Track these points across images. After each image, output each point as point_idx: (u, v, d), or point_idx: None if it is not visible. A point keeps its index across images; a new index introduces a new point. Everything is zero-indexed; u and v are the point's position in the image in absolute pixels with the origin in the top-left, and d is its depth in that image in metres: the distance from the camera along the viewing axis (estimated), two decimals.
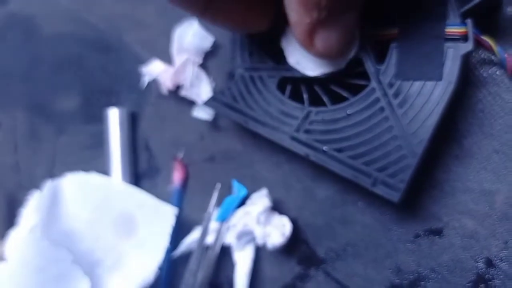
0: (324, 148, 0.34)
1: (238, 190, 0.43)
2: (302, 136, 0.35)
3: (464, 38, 0.31)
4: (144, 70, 0.46)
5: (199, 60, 0.44)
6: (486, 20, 0.33)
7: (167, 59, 0.46)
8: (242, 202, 0.42)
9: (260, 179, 0.42)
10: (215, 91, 0.44)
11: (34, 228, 0.43)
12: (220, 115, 0.41)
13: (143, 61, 0.48)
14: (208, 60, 0.45)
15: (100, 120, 0.50)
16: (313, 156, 0.35)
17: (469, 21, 0.31)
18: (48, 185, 0.46)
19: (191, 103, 0.45)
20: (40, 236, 0.43)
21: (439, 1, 0.31)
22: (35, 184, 0.50)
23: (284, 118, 0.36)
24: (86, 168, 0.49)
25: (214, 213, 0.43)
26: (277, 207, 0.40)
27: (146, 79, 0.47)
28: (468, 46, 0.31)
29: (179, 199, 0.46)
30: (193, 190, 0.46)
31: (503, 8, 0.34)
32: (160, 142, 0.48)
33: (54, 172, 0.53)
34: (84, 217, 0.46)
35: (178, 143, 0.46)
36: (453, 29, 0.31)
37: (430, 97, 0.32)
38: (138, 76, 0.48)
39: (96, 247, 0.46)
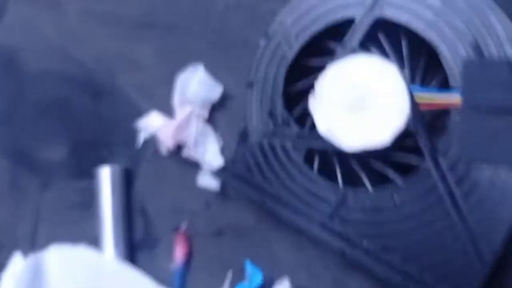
0: (364, 243, 0.27)
1: (252, 274, 0.36)
2: (336, 225, 0.28)
3: None
4: (140, 124, 0.39)
5: (205, 113, 0.37)
6: None
7: (167, 109, 0.39)
8: None
9: (278, 262, 0.35)
10: (225, 155, 0.36)
11: None
12: (232, 189, 0.33)
13: (138, 108, 0.41)
14: (215, 113, 0.38)
15: (89, 175, 0.43)
16: (349, 252, 0.27)
17: None
18: (31, 258, 0.40)
19: (195, 165, 0.38)
20: None
21: None
22: (16, 244, 0.44)
23: (312, 199, 0.29)
24: (73, 231, 0.43)
25: None
26: None
27: (142, 136, 0.39)
28: None
29: (182, 281, 0.38)
30: (196, 269, 0.39)
31: None
32: (158, 206, 0.41)
33: (37, 232, 0.46)
34: None
35: (180, 210, 0.40)
36: None
37: (505, 187, 0.24)
38: (132, 125, 0.41)
39: None
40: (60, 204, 0.45)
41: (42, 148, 0.47)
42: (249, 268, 0.36)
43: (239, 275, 0.36)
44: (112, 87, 0.44)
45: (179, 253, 0.38)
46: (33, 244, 0.45)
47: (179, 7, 0.39)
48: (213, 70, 0.37)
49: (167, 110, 0.39)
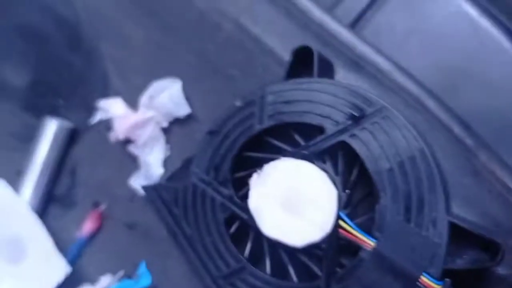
0: None
1: (142, 276, 0.39)
2: None
3: None
4: (102, 104, 0.40)
5: (165, 124, 0.39)
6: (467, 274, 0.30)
7: (132, 102, 0.40)
8: None
9: (170, 278, 0.38)
10: (165, 167, 0.38)
11: None
12: (154, 209, 0.36)
13: (108, 83, 0.42)
14: (174, 126, 0.40)
15: (39, 114, 0.44)
16: None
17: (447, 283, 0.27)
18: None
19: (134, 162, 0.40)
20: None
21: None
22: None
23: (216, 257, 0.32)
24: (3, 156, 0.44)
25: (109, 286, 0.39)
26: None
27: (99, 115, 0.41)
28: None
29: (79, 250, 0.41)
30: (99, 246, 0.41)
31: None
32: (88, 177, 0.42)
33: None
34: None
35: (106, 191, 0.41)
36: (428, 281, 0.28)
37: None
38: (95, 95, 0.42)
39: None
40: (1, 126, 0.45)
41: (5, 67, 0.47)
42: (143, 269, 0.38)
43: (131, 272, 0.39)
44: (94, 48, 0.44)
45: (87, 227, 0.40)
46: None
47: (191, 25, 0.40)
48: (190, 90, 0.38)
49: (132, 103, 0.40)
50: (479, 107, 0.37)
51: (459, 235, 0.28)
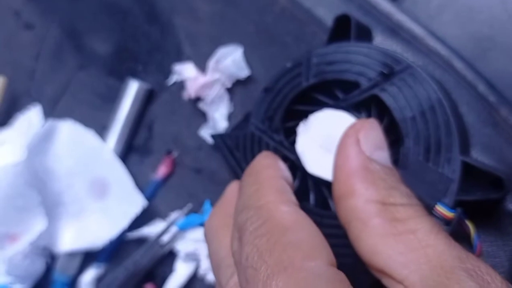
0: None
1: (206, 212, 0.46)
2: None
3: (446, 222, 0.33)
4: (176, 67, 0.47)
5: (229, 84, 0.46)
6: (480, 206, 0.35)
7: (201, 66, 0.47)
8: None
9: None
10: (230, 121, 0.45)
11: (18, 164, 0.45)
12: (220, 153, 0.43)
13: (181, 50, 0.49)
14: (237, 87, 0.46)
15: (121, 78, 0.52)
16: None
17: (458, 210, 0.33)
18: (48, 123, 0.49)
19: (203, 117, 0.47)
20: (20, 171, 0.45)
21: (443, 179, 0.33)
22: (41, 99, 0.55)
23: None
24: (90, 113, 0.53)
25: (179, 219, 0.46)
26: None
27: (174, 78, 0.48)
28: (447, 229, 0.33)
29: (154, 191, 0.48)
30: (170, 188, 0.49)
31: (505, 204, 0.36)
32: (163, 130, 0.50)
33: (61, 99, 0.55)
34: (68, 164, 0.49)
35: (178, 141, 0.49)
36: (442, 210, 0.33)
37: None
38: (171, 60, 0.49)
39: (67, 192, 0.50)
40: (88, 87, 0.54)
41: (92, 38, 0.55)
42: (207, 206, 0.46)
43: (198, 209, 0.46)
44: (167, 20, 0.51)
45: (161, 170, 0.48)
46: (54, 107, 0.54)
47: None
48: (250, 55, 0.45)
49: (201, 67, 0.47)
50: (505, 72, 0.41)
51: (472, 174, 0.33)
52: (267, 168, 0.27)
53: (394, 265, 0.21)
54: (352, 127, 0.29)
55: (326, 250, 0.22)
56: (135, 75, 0.51)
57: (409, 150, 0.34)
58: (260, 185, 0.25)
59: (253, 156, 0.40)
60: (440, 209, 0.33)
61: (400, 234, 0.22)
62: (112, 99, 0.51)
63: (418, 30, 0.41)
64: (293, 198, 0.26)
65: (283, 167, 0.31)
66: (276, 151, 0.39)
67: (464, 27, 0.43)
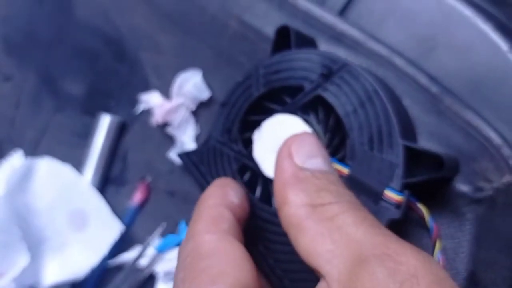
0: None
1: (182, 232, 0.47)
2: None
3: (397, 206, 0.34)
4: (142, 98, 0.50)
5: (193, 107, 0.48)
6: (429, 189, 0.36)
7: (166, 93, 0.50)
8: None
9: None
10: (198, 140, 0.47)
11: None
12: (187, 170, 0.45)
13: (147, 82, 0.52)
14: (201, 109, 0.49)
15: (94, 115, 0.54)
16: None
17: (406, 193, 0.34)
18: (27, 161, 0.51)
19: (171, 140, 0.49)
20: (1, 207, 0.47)
21: (389, 165, 0.35)
22: (23, 144, 0.57)
23: None
24: (67, 151, 0.55)
25: (155, 242, 0.48)
26: None
27: (141, 107, 0.51)
28: (396, 214, 0.34)
29: (131, 218, 0.50)
30: (147, 214, 0.50)
31: (453, 184, 0.37)
32: (136, 159, 0.52)
33: (41, 142, 0.58)
34: (48, 199, 0.51)
35: (151, 167, 0.51)
36: (391, 194, 0.35)
37: None
38: (138, 93, 0.52)
39: (48, 226, 0.51)
40: (66, 128, 0.56)
41: (67, 81, 0.58)
42: (183, 226, 0.47)
43: (174, 230, 0.48)
44: (134, 57, 0.54)
45: (137, 197, 0.50)
46: (35, 149, 0.56)
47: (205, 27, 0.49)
48: (210, 78, 0.47)
49: (166, 94, 0.50)
50: (448, 66, 0.44)
51: (416, 158, 0.35)
52: (208, 198, 0.29)
53: (322, 262, 0.22)
54: (285, 143, 0.31)
55: (237, 273, 0.23)
56: (108, 110, 0.53)
57: (354, 141, 0.36)
58: (198, 215, 0.27)
59: (216, 169, 0.42)
60: (389, 193, 0.35)
61: (329, 232, 0.23)
62: (88, 135, 0.54)
63: (360, 36, 0.43)
64: (226, 224, 0.27)
65: (231, 192, 0.31)
66: (237, 161, 0.41)
67: (408, 30, 0.46)
